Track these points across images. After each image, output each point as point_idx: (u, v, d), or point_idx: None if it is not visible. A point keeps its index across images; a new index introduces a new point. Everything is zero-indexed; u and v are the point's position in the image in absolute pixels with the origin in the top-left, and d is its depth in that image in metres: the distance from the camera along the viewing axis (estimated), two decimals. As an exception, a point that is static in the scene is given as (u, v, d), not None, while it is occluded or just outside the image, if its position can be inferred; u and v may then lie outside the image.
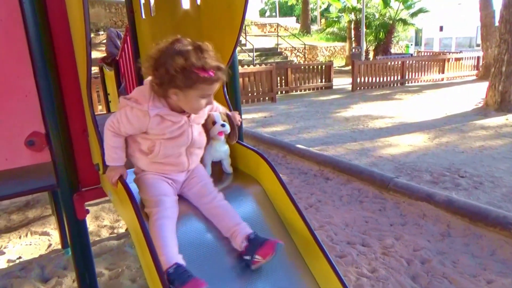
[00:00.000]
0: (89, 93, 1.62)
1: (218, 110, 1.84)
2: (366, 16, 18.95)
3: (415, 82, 13.65)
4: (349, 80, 13.19)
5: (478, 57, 14.89)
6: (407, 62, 13.58)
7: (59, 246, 3.38)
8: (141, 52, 3.53)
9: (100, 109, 8.49)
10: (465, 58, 14.79)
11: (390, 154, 5.58)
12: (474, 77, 14.61)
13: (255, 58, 17.56)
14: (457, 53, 16.20)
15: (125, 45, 4.40)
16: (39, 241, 3.52)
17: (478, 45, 21.30)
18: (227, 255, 1.50)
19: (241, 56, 17.26)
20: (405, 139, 6.36)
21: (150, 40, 3.26)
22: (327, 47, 23.97)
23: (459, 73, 14.59)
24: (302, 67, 12.89)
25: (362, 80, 12.60)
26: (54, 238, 3.54)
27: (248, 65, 13.56)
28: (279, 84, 11.91)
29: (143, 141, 1.52)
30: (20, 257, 3.23)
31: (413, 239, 3.24)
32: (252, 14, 32.95)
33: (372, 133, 6.88)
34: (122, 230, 3.65)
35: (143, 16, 3.29)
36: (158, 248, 1.32)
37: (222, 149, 1.83)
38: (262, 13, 50.67)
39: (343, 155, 5.54)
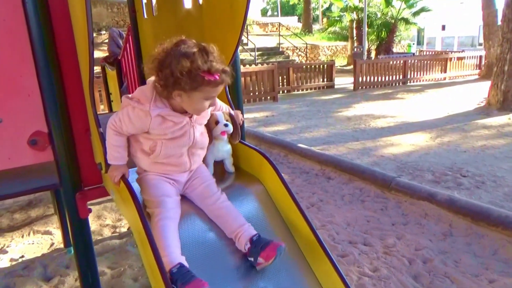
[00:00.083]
0: (91, 92, 1.63)
1: (221, 109, 1.84)
2: (368, 15, 18.93)
3: (417, 81, 13.63)
4: (351, 79, 13.17)
5: (481, 56, 14.86)
6: (409, 61, 13.55)
7: (62, 245, 3.39)
8: (143, 52, 3.53)
9: (102, 108, 8.50)
10: (467, 57, 14.75)
11: (392, 153, 5.57)
12: (477, 76, 14.58)
13: (257, 57, 17.56)
14: (459, 52, 16.17)
15: (127, 45, 4.41)
16: (41, 240, 3.53)
17: (480, 44, 21.26)
18: (230, 254, 1.50)
19: (243, 56, 17.25)
20: (407, 139, 6.35)
21: (152, 40, 3.27)
22: (329, 46, 23.94)
23: (461, 72, 14.56)
24: (304, 67, 12.87)
25: (364, 79, 12.58)
26: (56, 237, 3.55)
27: (250, 65, 13.58)
28: (280, 84, 11.90)
29: (145, 141, 1.52)
30: (22, 256, 3.24)
31: (415, 239, 3.24)
32: (254, 14, 32.97)
33: (374, 133, 6.87)
34: (124, 229, 3.66)
35: (145, 16, 3.29)
36: (161, 249, 1.32)
37: (224, 149, 1.83)
38: (264, 13, 50.68)
39: (345, 155, 5.54)
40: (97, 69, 8.43)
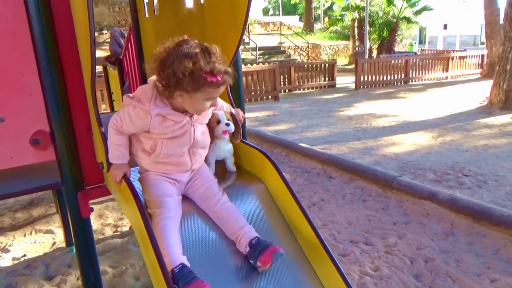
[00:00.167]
0: (93, 91, 1.63)
1: (222, 108, 1.84)
2: (369, 14, 18.90)
3: (419, 80, 13.60)
4: (353, 78, 13.16)
5: (483, 55, 14.82)
6: (411, 60, 13.52)
7: (64, 244, 3.39)
8: (144, 51, 3.54)
9: (103, 108, 8.52)
10: (469, 56, 14.71)
11: (393, 152, 5.56)
12: (479, 76, 14.54)
13: (258, 56, 17.55)
14: (461, 51, 16.12)
15: (129, 44, 4.42)
16: (43, 239, 3.54)
17: (482, 43, 21.19)
18: (231, 254, 1.50)
19: (244, 55, 17.24)
20: (409, 138, 6.34)
21: (153, 39, 3.27)
22: (331, 45, 23.91)
23: (463, 71, 14.52)
24: (305, 66, 12.85)
25: (366, 78, 12.56)
26: (58, 236, 3.56)
27: (251, 64, 13.56)
28: (282, 83, 11.90)
29: (146, 140, 1.52)
30: (25, 255, 3.26)
31: (416, 238, 3.23)
32: (255, 13, 32.94)
33: (376, 132, 6.87)
34: (126, 229, 3.67)
35: (147, 15, 3.30)
36: (162, 249, 1.33)
37: (226, 148, 1.83)
38: (265, 12, 50.64)
39: (346, 154, 5.53)
40: (98, 68, 8.46)
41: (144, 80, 3.52)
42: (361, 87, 12.46)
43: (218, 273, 1.43)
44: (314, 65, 12.97)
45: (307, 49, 21.66)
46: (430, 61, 14.01)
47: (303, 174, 5.00)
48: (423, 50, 23.45)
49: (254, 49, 17.80)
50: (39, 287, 2.78)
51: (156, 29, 3.17)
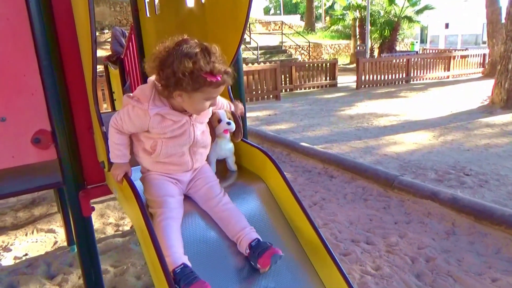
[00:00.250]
0: (94, 91, 1.63)
1: (222, 106, 1.83)
2: (371, 13, 18.86)
3: (420, 80, 13.58)
4: (354, 78, 13.14)
5: (484, 55, 14.78)
6: (412, 59, 13.49)
7: (65, 243, 3.40)
8: (145, 50, 3.54)
9: (105, 107, 8.53)
10: (470, 55, 14.67)
11: (394, 152, 5.56)
12: (480, 75, 14.51)
13: (259, 56, 17.53)
14: (462, 50, 16.08)
15: (130, 44, 4.42)
16: (45, 238, 3.55)
17: (484, 43, 21.16)
18: (232, 253, 1.51)
19: (245, 54, 17.24)
20: (410, 137, 6.33)
21: (154, 38, 3.27)
22: (332, 45, 23.88)
23: (464, 70, 14.49)
24: (307, 65, 12.84)
25: (367, 78, 12.54)
26: (60, 235, 3.57)
27: (253, 63, 13.56)
28: (283, 82, 11.89)
29: (146, 140, 1.52)
30: (26, 254, 3.26)
31: (417, 237, 3.23)
32: (256, 12, 32.91)
33: (377, 131, 6.86)
34: (127, 228, 3.67)
35: (148, 15, 3.30)
36: (163, 249, 1.33)
37: (227, 147, 1.84)
38: (267, 11, 50.60)
39: (347, 153, 5.53)
40: (100, 68, 8.48)
41: (145, 80, 3.52)
42: (362, 86, 12.44)
43: (219, 273, 1.43)
44: (315, 65, 12.95)
45: (308, 48, 21.64)
46: (432, 60, 13.98)
47: (304, 174, 5.00)
48: (425, 49, 23.41)
49: (255, 48, 17.79)
50: (40, 286, 2.79)
51: (157, 28, 3.17)
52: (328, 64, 12.93)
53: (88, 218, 2.04)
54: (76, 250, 2.41)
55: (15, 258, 3.21)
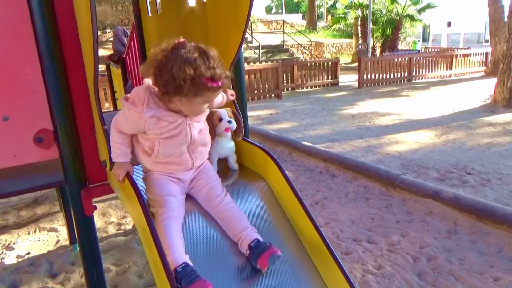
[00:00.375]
0: (96, 90, 1.63)
1: (218, 101, 1.81)
2: (373, 12, 18.81)
3: (422, 78, 13.55)
4: (356, 77, 13.12)
5: (487, 53, 14.73)
6: (414, 58, 13.47)
7: (67, 242, 3.41)
8: (147, 50, 3.54)
9: (107, 106, 8.55)
10: (473, 54, 14.63)
11: (396, 151, 5.55)
12: (483, 73, 14.47)
13: (261, 55, 17.53)
14: (465, 49, 16.04)
15: (132, 43, 4.42)
16: (47, 237, 3.56)
17: (486, 41, 21.10)
18: (233, 253, 1.51)
19: (247, 53, 17.23)
20: (412, 136, 6.32)
21: (156, 38, 3.28)
22: (334, 43, 23.85)
23: (467, 69, 14.45)
24: (308, 64, 12.83)
25: (369, 77, 12.53)
26: (62, 234, 3.58)
27: (254, 62, 13.53)
28: (285, 81, 11.89)
29: (144, 141, 1.53)
30: (29, 253, 3.28)
31: (419, 236, 3.23)
32: (258, 11, 32.90)
33: (379, 130, 6.85)
34: (129, 227, 3.68)
35: (150, 14, 3.30)
36: (165, 248, 1.33)
37: (228, 146, 1.84)
38: (268, 10, 50.57)
39: (349, 152, 5.53)
40: (101, 67, 8.48)
41: (146, 79, 3.52)
42: (364, 85, 12.42)
43: (221, 272, 1.43)
44: (317, 64, 12.95)
45: (310, 47, 21.63)
46: (434, 59, 13.94)
47: (306, 173, 5.00)
48: (427, 48, 23.35)
49: (257, 47, 17.79)
50: (43, 285, 2.80)
51: (159, 27, 3.17)
52: (330, 63, 12.91)
53: (90, 217, 2.05)
54: (78, 249, 2.42)
55: (18, 256, 3.23)
